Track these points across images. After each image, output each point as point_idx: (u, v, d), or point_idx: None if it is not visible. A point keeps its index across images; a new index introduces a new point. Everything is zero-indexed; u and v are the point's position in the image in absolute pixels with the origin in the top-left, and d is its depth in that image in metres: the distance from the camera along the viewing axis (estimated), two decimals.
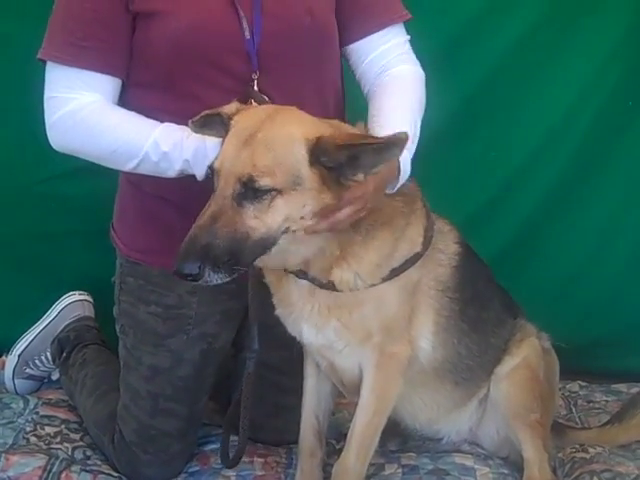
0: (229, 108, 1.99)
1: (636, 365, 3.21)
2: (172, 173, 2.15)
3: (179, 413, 2.47)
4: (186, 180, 2.18)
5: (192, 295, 2.40)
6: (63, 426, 2.67)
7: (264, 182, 1.82)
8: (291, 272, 2.07)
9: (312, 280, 2.07)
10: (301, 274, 2.07)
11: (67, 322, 2.98)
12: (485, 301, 2.44)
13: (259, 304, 2.26)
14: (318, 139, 1.86)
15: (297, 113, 1.96)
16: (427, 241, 2.18)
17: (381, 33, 2.33)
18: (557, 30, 3.07)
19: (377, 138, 1.93)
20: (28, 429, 2.63)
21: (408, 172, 2.09)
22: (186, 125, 2.04)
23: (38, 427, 2.65)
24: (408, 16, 2.37)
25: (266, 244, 1.88)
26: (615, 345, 3.25)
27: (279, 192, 1.83)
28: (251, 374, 2.30)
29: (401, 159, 2.02)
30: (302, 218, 1.88)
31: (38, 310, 3.04)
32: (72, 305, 3.02)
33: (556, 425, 2.61)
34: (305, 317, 2.16)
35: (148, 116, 2.18)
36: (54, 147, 2.25)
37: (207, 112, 1.99)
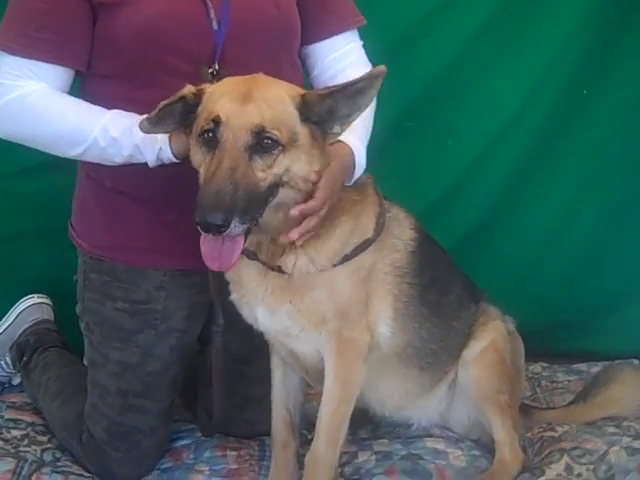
0: (187, 89, 1.98)
1: (595, 345, 3.24)
2: (119, 159, 2.13)
3: (149, 409, 2.43)
4: (148, 173, 2.16)
5: (159, 290, 2.37)
6: (30, 429, 2.62)
7: (275, 133, 1.88)
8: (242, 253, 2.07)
9: (263, 263, 2.09)
10: (252, 256, 2.09)
11: (26, 326, 2.91)
12: (445, 285, 2.43)
13: (219, 281, 2.25)
14: (302, 96, 1.94)
15: (269, 77, 2.01)
16: (379, 227, 2.18)
17: (345, 35, 2.38)
18: (511, 20, 3.06)
19: (352, 80, 1.94)
20: None
21: (363, 165, 2.16)
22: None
23: (4, 431, 2.59)
24: (364, 21, 2.44)
25: (272, 194, 1.92)
26: (574, 327, 3.27)
27: (283, 148, 1.90)
28: (220, 349, 2.32)
29: (357, 158, 2.12)
30: (296, 172, 1.94)
31: None
32: (30, 308, 2.95)
33: (523, 406, 2.61)
34: (259, 300, 2.15)
35: (111, 106, 2.15)
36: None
37: (165, 102, 1.96)
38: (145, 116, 1.97)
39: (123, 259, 2.35)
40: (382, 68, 1.92)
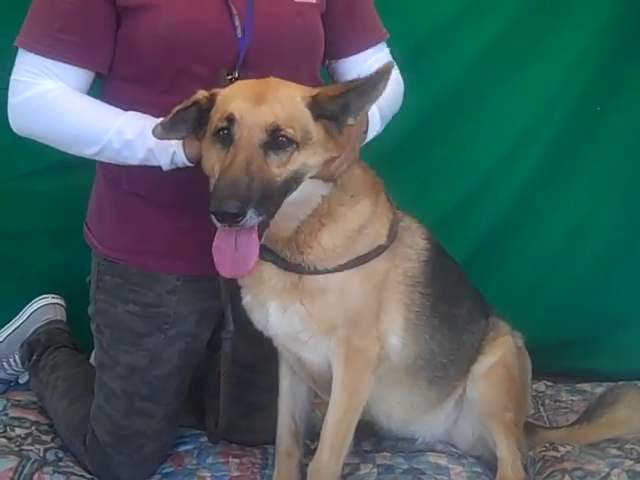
0: (200, 93, 1.99)
1: (599, 364, 3.23)
2: (133, 162, 2.14)
3: (155, 413, 2.42)
4: (165, 178, 2.15)
5: (171, 294, 2.36)
6: (34, 428, 2.60)
7: (289, 132, 1.90)
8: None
9: (279, 262, 2.09)
10: (268, 255, 2.08)
11: (37, 325, 2.91)
12: (456, 298, 2.42)
13: (231, 287, 2.24)
14: (313, 97, 1.96)
15: (281, 80, 2.03)
16: (392, 234, 2.18)
17: (372, 49, 2.42)
18: (525, 36, 3.07)
19: (362, 78, 1.97)
20: None
21: (376, 127, 2.26)
22: None
23: (8, 429, 2.57)
24: (388, 35, 2.48)
25: (289, 188, 1.94)
26: (579, 345, 3.26)
27: (297, 146, 1.92)
28: (228, 355, 2.31)
29: (370, 117, 2.19)
30: (314, 165, 1.97)
31: (7, 310, 2.96)
32: (43, 308, 2.95)
33: (526, 424, 2.58)
34: (273, 295, 2.13)
35: (131, 109, 2.15)
36: (15, 130, 2.21)
37: (178, 108, 1.96)
38: (159, 121, 1.97)
39: (136, 262, 2.34)
40: (388, 64, 1.95)
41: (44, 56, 2.12)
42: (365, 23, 2.41)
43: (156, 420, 2.42)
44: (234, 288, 2.24)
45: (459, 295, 2.43)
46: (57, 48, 2.12)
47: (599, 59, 3.08)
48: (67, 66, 2.14)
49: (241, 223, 1.82)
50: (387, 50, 2.46)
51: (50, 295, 2.97)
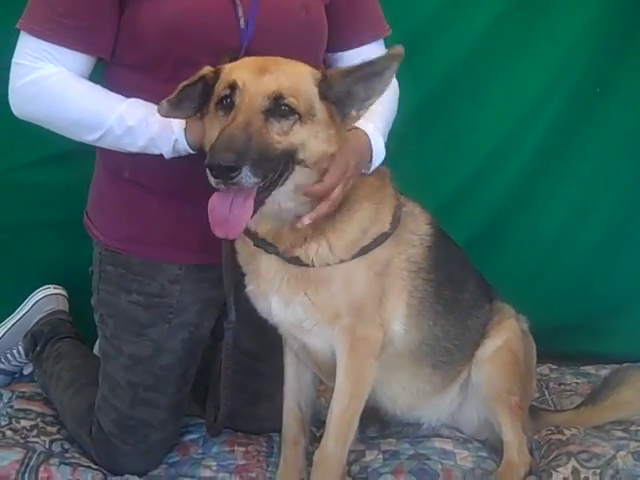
0: (206, 68, 2.00)
1: (603, 347, 3.22)
2: (134, 149, 2.13)
3: (160, 403, 2.40)
4: (167, 167, 2.14)
5: (174, 284, 2.34)
6: (39, 419, 2.58)
7: (291, 100, 1.88)
8: (260, 246, 2.08)
9: (281, 255, 2.07)
10: (271, 248, 2.07)
11: (40, 316, 2.89)
12: (460, 283, 2.40)
13: (233, 276, 2.23)
14: (323, 73, 1.96)
15: (290, 59, 2.01)
16: (395, 221, 2.16)
17: (374, 44, 2.39)
18: (524, 19, 3.04)
19: (372, 59, 1.94)
20: (3, 423, 2.54)
21: (382, 152, 2.17)
22: None
23: (13, 421, 2.55)
24: (390, 31, 2.45)
25: (286, 163, 1.91)
26: (582, 328, 3.25)
27: (300, 118, 1.90)
28: (230, 345, 2.29)
29: (374, 144, 2.13)
30: (313, 149, 1.93)
31: (9, 303, 2.93)
32: (46, 299, 2.93)
33: (531, 408, 2.58)
34: (274, 289, 2.12)
35: (132, 96, 2.13)
36: (15, 113, 2.19)
37: (184, 83, 1.95)
38: (165, 99, 1.95)
39: (138, 252, 2.32)
40: (400, 49, 1.92)
41: (46, 40, 2.10)
42: (368, 16, 2.39)
43: (161, 410, 2.40)
44: (237, 277, 2.22)
45: (463, 280, 2.42)
46: (59, 32, 2.09)
47: (597, 41, 3.05)
48: (69, 51, 2.12)
49: (236, 180, 1.79)
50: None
51: (52, 286, 2.95)
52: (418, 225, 2.26)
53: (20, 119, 2.20)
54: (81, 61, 2.15)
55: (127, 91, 2.14)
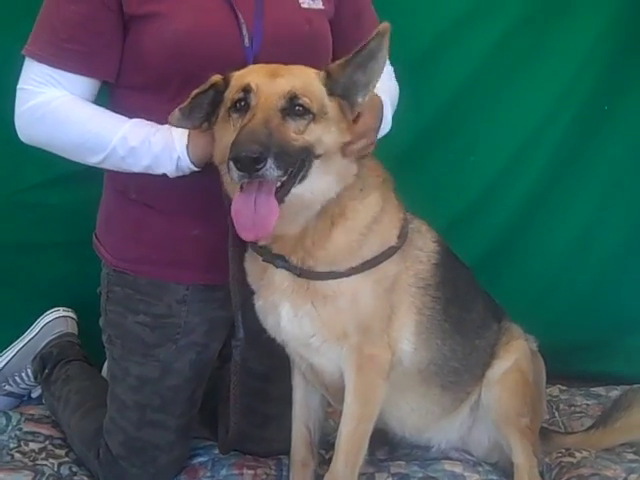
0: (216, 76, 2.01)
1: (612, 367, 3.19)
2: (138, 169, 2.14)
3: (167, 424, 2.39)
4: (173, 187, 2.14)
5: (181, 304, 2.34)
6: (47, 442, 2.59)
7: (305, 100, 1.92)
8: (269, 261, 2.09)
9: (291, 268, 2.07)
10: (281, 262, 2.07)
11: (49, 338, 2.88)
12: (467, 302, 2.39)
13: (241, 294, 2.22)
14: (326, 71, 2.01)
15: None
16: (403, 235, 2.15)
17: None
18: (533, 36, 3.05)
19: (364, 43, 1.98)
20: (12, 445, 2.55)
21: (389, 122, 2.26)
22: None
23: (22, 443, 2.56)
24: None
25: (304, 160, 1.93)
26: (592, 348, 3.22)
27: (314, 117, 1.94)
28: (238, 363, 2.27)
29: (385, 112, 2.20)
30: (329, 143, 1.97)
31: (18, 324, 2.92)
32: (55, 321, 2.92)
33: (542, 430, 2.55)
34: (285, 298, 2.11)
35: (137, 117, 2.14)
36: (21, 138, 2.21)
37: (196, 91, 1.97)
38: (177, 107, 1.96)
39: (146, 272, 2.32)
40: (385, 25, 1.97)
41: (50, 65, 2.12)
42: (368, 27, 2.34)
43: (169, 431, 2.39)
44: (245, 295, 2.21)
45: (470, 299, 2.40)
46: (62, 57, 2.11)
47: (605, 58, 3.06)
48: (72, 75, 2.14)
49: (261, 172, 1.80)
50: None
51: (62, 308, 2.94)
52: (425, 242, 2.25)
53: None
54: (85, 85, 2.17)
55: (132, 112, 2.15)
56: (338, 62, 2.01)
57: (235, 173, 1.83)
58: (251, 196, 1.88)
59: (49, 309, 2.93)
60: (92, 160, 2.16)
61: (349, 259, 2.06)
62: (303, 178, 1.95)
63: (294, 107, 1.91)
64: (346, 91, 2.00)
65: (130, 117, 2.14)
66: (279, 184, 1.89)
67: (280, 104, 1.90)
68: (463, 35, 3.02)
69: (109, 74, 2.19)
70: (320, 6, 2.27)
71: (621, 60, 3.06)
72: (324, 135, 1.95)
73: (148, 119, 2.12)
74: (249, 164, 1.79)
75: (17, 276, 3.00)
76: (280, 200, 1.90)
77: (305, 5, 2.24)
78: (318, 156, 1.95)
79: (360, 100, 2.01)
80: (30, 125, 2.16)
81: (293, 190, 1.94)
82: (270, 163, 1.81)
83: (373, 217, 2.09)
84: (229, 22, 2.13)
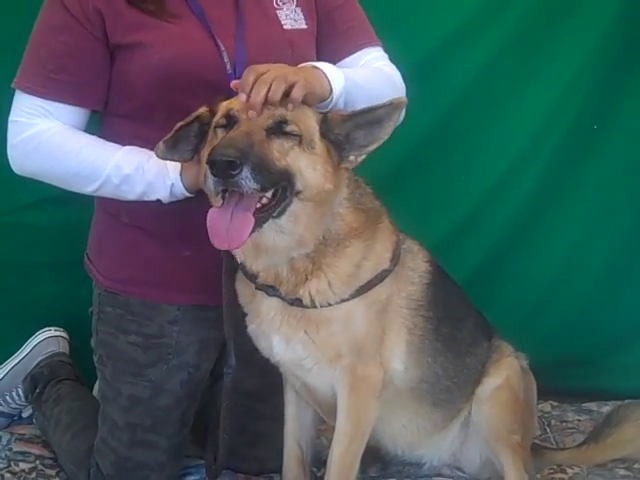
0: (202, 109, 2.00)
1: (604, 383, 3.19)
2: (133, 196, 2.14)
3: (158, 445, 2.38)
4: (165, 210, 2.16)
5: (173, 324, 2.34)
6: (38, 462, 2.58)
7: (294, 127, 1.89)
8: (261, 289, 2.07)
9: (282, 297, 2.06)
10: (271, 291, 2.06)
11: (40, 358, 2.86)
12: (458, 320, 2.38)
13: (234, 320, 2.21)
14: (325, 115, 1.96)
15: None
16: (395, 258, 2.15)
17: (372, 49, 2.38)
18: (523, 56, 3.08)
19: (374, 106, 1.94)
20: (2, 465, 2.55)
21: (338, 75, 2.06)
22: None
23: (12, 463, 2.56)
24: (375, 40, 2.42)
25: (286, 183, 1.88)
26: (583, 364, 3.22)
27: (300, 141, 1.90)
28: (229, 389, 2.26)
29: (323, 68, 2.04)
30: (310, 180, 1.91)
31: (9, 344, 2.91)
32: (46, 341, 2.91)
33: (533, 446, 2.55)
34: (275, 329, 2.11)
35: (128, 144, 2.15)
36: (15, 170, 2.22)
37: (180, 124, 1.97)
38: (162, 140, 1.96)
39: (137, 293, 2.32)
40: (403, 99, 1.94)
41: (39, 96, 2.13)
42: (346, 30, 2.36)
43: (160, 451, 2.38)
44: (237, 320, 2.21)
45: (461, 317, 2.40)
46: (51, 88, 2.13)
47: (595, 77, 3.09)
48: (62, 105, 2.15)
49: (236, 179, 1.77)
50: (379, 54, 2.39)
51: (53, 327, 2.92)
52: (417, 263, 2.25)
53: None
54: (75, 114, 2.18)
55: (123, 140, 2.16)
56: (340, 113, 1.98)
57: (211, 180, 1.81)
58: (229, 208, 1.85)
59: (40, 329, 2.91)
60: (87, 189, 2.17)
61: (341, 286, 2.06)
62: (281, 213, 1.91)
63: (280, 128, 1.88)
64: (340, 143, 1.96)
65: (122, 145, 2.15)
66: (259, 205, 1.87)
67: (267, 123, 1.88)
68: (453, 55, 3.04)
69: (98, 103, 2.21)
70: (303, 25, 2.27)
71: (610, 79, 3.09)
72: (307, 169, 1.90)
73: (139, 146, 2.13)
74: (224, 168, 1.77)
75: (8, 296, 2.99)
76: (258, 223, 1.87)
77: (287, 26, 2.25)
78: (298, 192, 1.90)
79: (352, 158, 1.97)
80: (24, 157, 2.17)
81: (264, 230, 1.91)
82: (246, 172, 1.77)
83: (361, 244, 2.08)
84: (212, 50, 2.14)
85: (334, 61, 2.27)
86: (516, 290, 3.22)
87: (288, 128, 1.88)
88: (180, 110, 2.07)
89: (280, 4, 2.26)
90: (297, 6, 2.27)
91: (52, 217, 2.91)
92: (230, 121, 1.91)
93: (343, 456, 2.17)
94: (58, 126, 2.15)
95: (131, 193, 2.13)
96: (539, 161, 3.15)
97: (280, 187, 1.88)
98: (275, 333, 2.12)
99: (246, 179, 1.78)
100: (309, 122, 1.94)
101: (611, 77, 3.09)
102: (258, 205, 1.87)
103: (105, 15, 2.11)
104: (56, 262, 2.96)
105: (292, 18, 2.26)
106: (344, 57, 2.32)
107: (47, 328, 2.92)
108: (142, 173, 2.09)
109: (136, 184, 2.11)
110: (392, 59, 2.45)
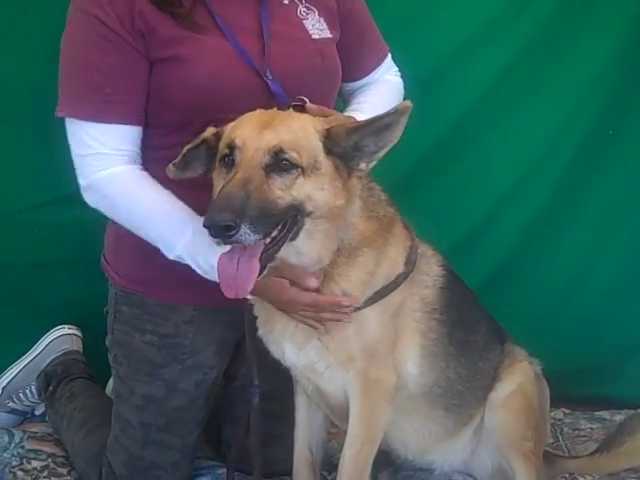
0: (209, 131, 1.99)
1: (616, 391, 3.20)
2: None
3: (171, 444, 2.40)
4: None
5: (189, 324, 2.35)
6: (50, 460, 2.60)
7: (292, 155, 1.85)
8: None
9: None
10: None
11: (54, 356, 2.90)
12: (472, 325, 2.39)
13: (256, 339, 2.22)
14: (328, 130, 1.93)
15: (293, 112, 2.01)
16: (410, 263, 2.15)
17: (381, 65, 2.48)
18: (535, 64, 3.08)
19: (380, 115, 1.93)
20: (14, 463, 2.57)
21: None
22: None
23: (24, 461, 2.58)
24: (388, 48, 2.53)
25: (295, 212, 1.88)
26: (595, 371, 3.23)
27: (303, 171, 1.87)
28: (256, 409, 2.27)
29: None
30: (320, 201, 1.90)
31: (23, 341, 2.94)
32: (60, 339, 2.94)
33: (546, 454, 2.56)
34: (287, 336, 2.12)
35: (161, 154, 2.14)
36: (89, 203, 2.19)
37: (188, 147, 1.96)
38: (172, 163, 1.96)
39: (155, 293, 2.33)
40: (407, 104, 1.92)
41: (104, 122, 2.09)
42: (373, 44, 2.44)
43: (172, 451, 2.40)
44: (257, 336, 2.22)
45: (474, 322, 2.41)
46: (114, 111, 2.09)
47: (611, 83, 3.09)
48: (124, 127, 2.12)
49: (234, 238, 1.76)
50: (388, 64, 2.50)
51: (67, 326, 2.96)
52: (431, 267, 2.26)
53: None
54: (135, 133, 2.16)
55: (156, 150, 2.17)
56: (345, 126, 1.95)
57: (211, 238, 1.79)
58: (235, 255, 1.85)
59: (54, 327, 2.94)
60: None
61: (361, 291, 2.06)
62: (294, 237, 1.91)
63: (279, 162, 1.85)
64: (348, 154, 1.93)
65: (154, 155, 2.15)
66: (268, 240, 1.86)
67: (264, 161, 1.84)
68: (465, 64, 3.05)
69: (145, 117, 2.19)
70: (328, 35, 2.28)
71: (623, 90, 3.09)
72: (315, 192, 1.88)
73: (168, 154, 2.06)
74: (220, 232, 1.76)
75: (22, 294, 3.01)
76: (268, 258, 1.87)
77: (315, 36, 2.25)
78: (310, 213, 1.90)
79: (362, 166, 1.95)
80: (100, 199, 2.15)
81: (280, 253, 1.91)
82: (244, 229, 1.76)
83: (373, 252, 2.07)
84: (245, 64, 2.13)
85: (351, 79, 2.37)
86: (528, 297, 3.22)
87: (286, 156, 1.85)
88: (216, 119, 2.05)
89: (304, 14, 2.26)
90: (320, 16, 2.28)
91: (69, 215, 2.90)
92: (232, 153, 1.88)
93: (355, 460, 2.17)
94: (128, 171, 2.12)
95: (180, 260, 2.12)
96: (553, 168, 3.16)
97: (289, 218, 1.88)
98: (287, 341, 2.12)
99: (245, 234, 1.77)
100: (310, 143, 1.90)
101: (626, 84, 3.08)
102: (267, 240, 1.86)
103: (144, 31, 2.08)
104: (70, 260, 2.98)
105: (318, 28, 2.26)
106: (368, 74, 2.43)
107: (61, 326, 2.95)
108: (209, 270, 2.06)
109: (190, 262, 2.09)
110: (405, 66, 2.51)
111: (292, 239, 1.91)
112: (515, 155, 3.14)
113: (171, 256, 2.10)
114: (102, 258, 2.46)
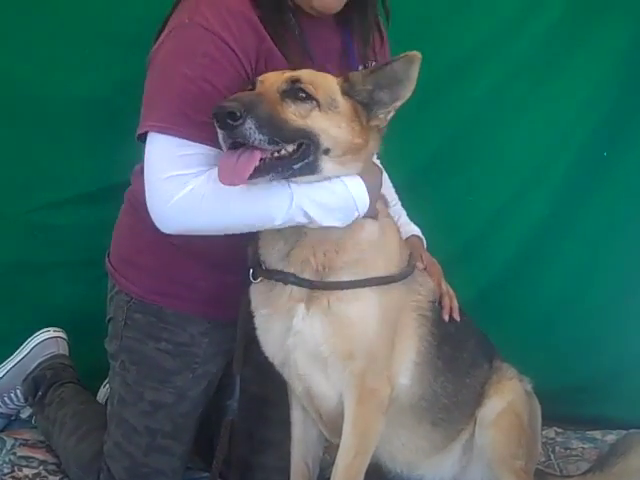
0: None
1: (608, 410, 3.26)
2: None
3: (175, 451, 2.49)
4: (220, 239, 2.13)
5: (203, 335, 2.47)
6: (41, 467, 2.65)
7: (308, 87, 1.98)
8: (281, 280, 2.11)
9: (302, 283, 2.10)
10: (292, 278, 2.10)
11: (40, 360, 2.93)
12: (460, 341, 2.43)
13: (244, 352, 2.27)
14: (346, 76, 2.07)
15: None
16: (409, 267, 2.23)
17: None
18: (532, 80, 3.16)
19: (391, 59, 2.04)
20: (6, 470, 2.62)
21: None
22: None
23: (16, 468, 2.63)
24: None
25: (308, 141, 1.94)
26: (587, 391, 3.29)
27: (318, 105, 1.99)
28: (228, 421, 2.30)
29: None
30: (336, 137, 1.99)
31: (6, 344, 2.95)
32: (46, 342, 2.97)
33: (537, 472, 2.60)
34: (297, 304, 2.10)
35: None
36: (170, 229, 2.11)
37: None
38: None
39: (173, 305, 2.42)
40: (416, 54, 2.00)
41: (201, 143, 2.05)
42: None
43: (175, 458, 2.49)
44: (249, 348, 2.26)
45: (463, 338, 2.45)
46: (210, 133, 1.99)
47: (605, 104, 3.18)
48: (214, 151, 2.07)
49: (239, 129, 1.83)
50: None
51: (52, 328, 2.98)
52: (425, 279, 2.34)
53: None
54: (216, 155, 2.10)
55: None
56: (359, 71, 2.10)
57: (220, 134, 1.89)
58: (238, 150, 1.91)
59: (39, 329, 2.94)
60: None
61: (363, 269, 2.10)
62: (313, 171, 1.96)
63: (295, 91, 1.96)
64: (366, 104, 2.03)
65: None
66: (276, 155, 1.90)
67: (281, 86, 1.97)
68: (463, 78, 3.13)
69: None
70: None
71: (620, 106, 3.18)
72: (332, 128, 1.99)
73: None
74: (225, 118, 1.83)
75: (19, 295, 3.02)
76: (269, 168, 1.89)
77: None
78: (327, 151, 1.98)
79: (381, 116, 2.07)
80: (184, 214, 2.06)
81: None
82: (250, 123, 1.84)
83: (378, 245, 2.14)
84: None
85: None
86: (520, 314, 3.28)
87: (302, 86, 1.96)
88: None
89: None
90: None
91: (69, 217, 2.94)
92: (253, 87, 2.00)
93: (347, 471, 2.20)
94: (200, 182, 2.05)
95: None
96: (549, 183, 3.23)
97: (304, 144, 1.96)
98: (297, 307, 2.09)
99: (250, 130, 1.85)
100: (326, 83, 2.03)
101: (621, 104, 3.17)
102: (275, 155, 1.92)
103: (263, 69, 2.10)
104: (73, 262, 2.99)
105: None
106: None
107: (46, 329, 2.98)
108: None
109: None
110: None
111: (303, 173, 1.96)
112: (510, 171, 3.23)
113: (278, 221, 2.02)
114: (108, 265, 2.51)
